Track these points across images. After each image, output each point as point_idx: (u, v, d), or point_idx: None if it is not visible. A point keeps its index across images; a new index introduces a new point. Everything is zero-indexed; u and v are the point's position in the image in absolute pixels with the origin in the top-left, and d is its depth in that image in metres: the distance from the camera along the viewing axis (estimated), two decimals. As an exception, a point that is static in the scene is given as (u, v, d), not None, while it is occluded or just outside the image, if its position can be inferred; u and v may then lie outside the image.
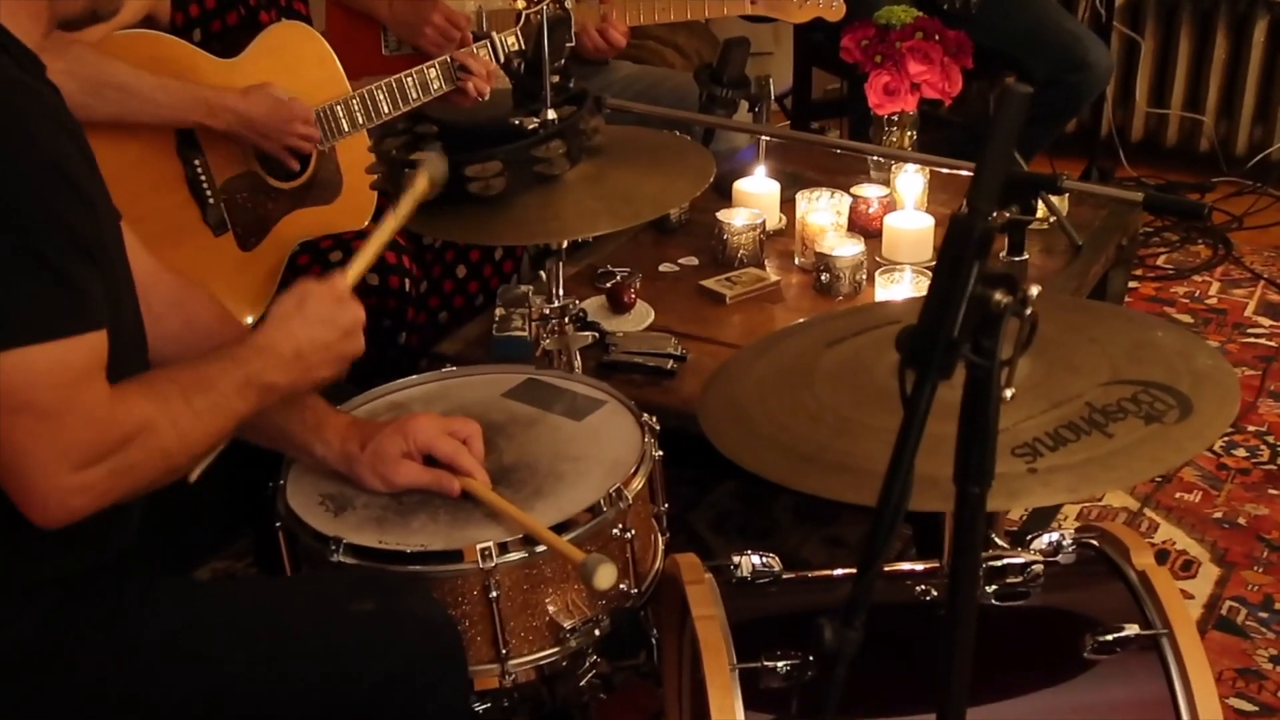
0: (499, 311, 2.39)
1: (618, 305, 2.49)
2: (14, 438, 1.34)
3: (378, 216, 2.56)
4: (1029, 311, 1.15)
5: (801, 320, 1.99)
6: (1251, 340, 3.54)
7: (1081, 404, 1.51)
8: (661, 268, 2.70)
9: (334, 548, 1.62)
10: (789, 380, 1.69)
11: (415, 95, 2.62)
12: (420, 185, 1.75)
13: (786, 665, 1.53)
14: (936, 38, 2.85)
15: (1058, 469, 1.43)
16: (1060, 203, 2.69)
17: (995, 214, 1.13)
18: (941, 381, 1.13)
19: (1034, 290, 1.16)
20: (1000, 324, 1.13)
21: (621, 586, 1.69)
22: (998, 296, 1.13)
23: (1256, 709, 2.35)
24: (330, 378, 1.62)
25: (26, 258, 1.34)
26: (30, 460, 1.35)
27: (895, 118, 2.87)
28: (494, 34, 2.71)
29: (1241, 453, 3.06)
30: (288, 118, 2.44)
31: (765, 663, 1.54)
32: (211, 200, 2.48)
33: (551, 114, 2.01)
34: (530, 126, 2.00)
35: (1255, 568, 2.71)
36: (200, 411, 1.46)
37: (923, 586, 1.67)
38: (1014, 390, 1.20)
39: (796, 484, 1.50)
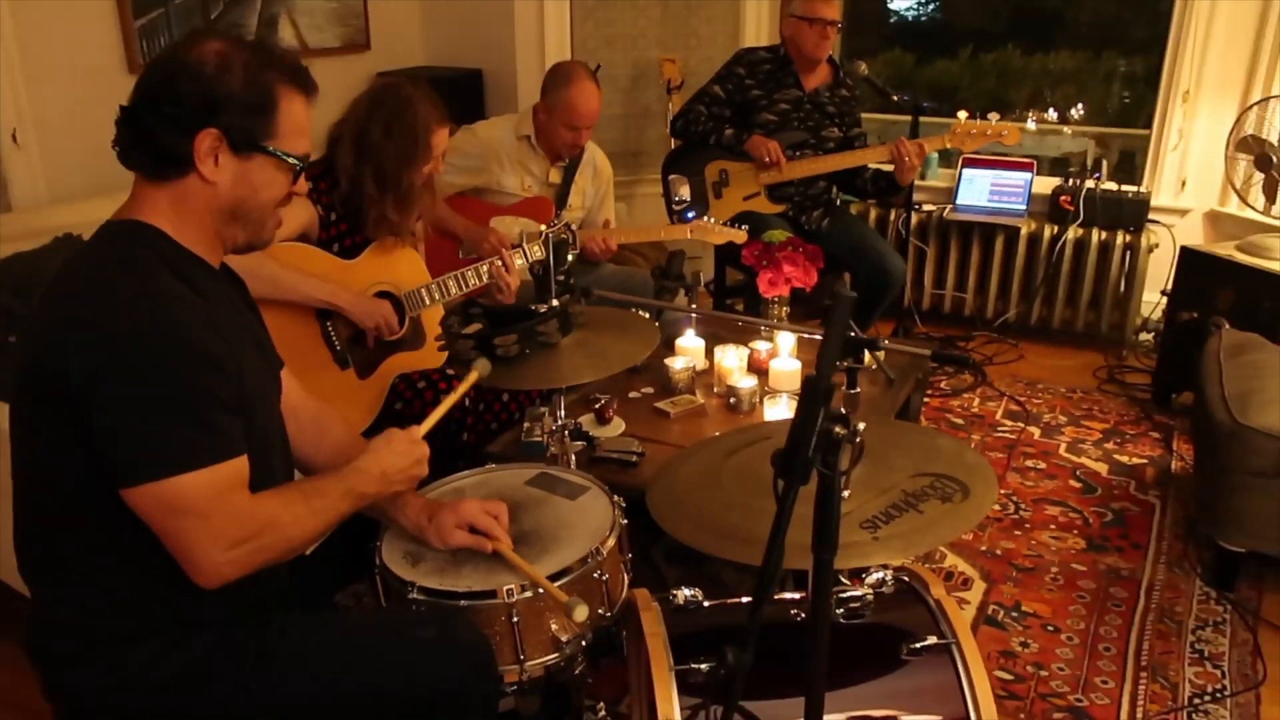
0: (525, 425, 2.32)
1: (601, 419, 2.41)
2: (182, 532, 1.27)
3: (449, 362, 2.51)
4: (858, 439, 1.09)
5: (715, 435, 1.91)
6: (1000, 435, 3.47)
7: (899, 491, 1.44)
8: (630, 395, 2.62)
9: (411, 588, 1.53)
10: (707, 479, 1.61)
11: (473, 281, 2.60)
12: (472, 378, 1.73)
13: (707, 666, 1.44)
14: (800, 250, 2.82)
15: (893, 536, 1.36)
16: (880, 354, 2.64)
17: (834, 375, 1.08)
18: (801, 486, 1.07)
19: (861, 425, 1.10)
20: (839, 448, 1.07)
21: (599, 612, 1.60)
22: (838, 429, 1.07)
23: (1013, 678, 2.26)
24: (404, 490, 1.56)
25: (184, 414, 1.26)
26: (194, 547, 1.27)
27: (775, 299, 2.83)
28: (524, 245, 2.70)
29: (997, 507, 2.98)
30: (381, 315, 2.40)
31: (693, 664, 1.44)
32: (339, 348, 2.41)
33: (555, 301, 1.96)
34: (542, 310, 1.95)
35: (1008, 583, 2.62)
36: (315, 511, 1.38)
37: (795, 610, 1.58)
38: (850, 490, 1.13)
39: (719, 553, 1.41)
